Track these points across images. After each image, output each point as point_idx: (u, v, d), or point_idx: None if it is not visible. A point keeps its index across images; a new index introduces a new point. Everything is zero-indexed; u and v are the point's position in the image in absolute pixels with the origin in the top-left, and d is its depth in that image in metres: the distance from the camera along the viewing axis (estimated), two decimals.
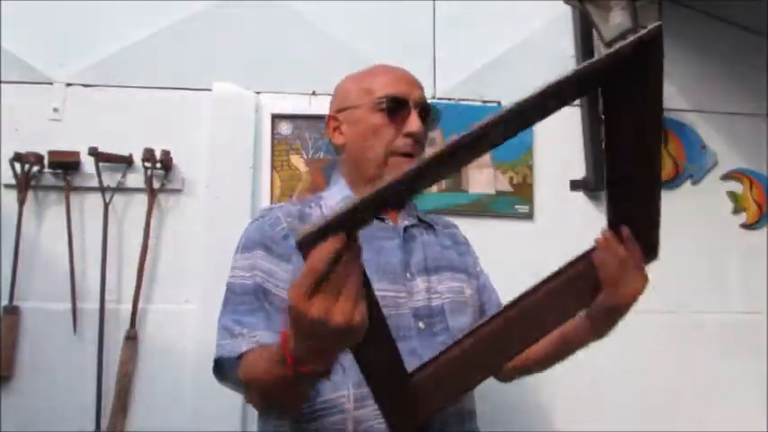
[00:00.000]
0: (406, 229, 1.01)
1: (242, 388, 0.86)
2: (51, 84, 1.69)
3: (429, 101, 1.05)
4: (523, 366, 1.07)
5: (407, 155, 0.98)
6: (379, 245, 0.96)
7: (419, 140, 0.99)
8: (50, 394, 1.53)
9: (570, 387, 1.69)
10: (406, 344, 0.87)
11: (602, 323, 0.89)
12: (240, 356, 0.83)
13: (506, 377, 1.13)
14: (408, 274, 0.96)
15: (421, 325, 0.91)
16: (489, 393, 1.65)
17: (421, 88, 1.04)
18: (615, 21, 1.68)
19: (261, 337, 0.85)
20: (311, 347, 0.61)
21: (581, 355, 1.70)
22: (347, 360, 0.78)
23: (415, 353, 0.87)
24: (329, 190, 1.07)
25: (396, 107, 0.99)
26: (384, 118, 0.99)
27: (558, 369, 1.69)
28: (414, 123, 0.98)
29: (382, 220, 1.01)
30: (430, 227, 1.08)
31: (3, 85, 1.66)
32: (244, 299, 0.90)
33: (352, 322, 0.56)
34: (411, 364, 0.78)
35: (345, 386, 0.85)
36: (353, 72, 1.09)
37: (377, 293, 0.85)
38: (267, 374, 0.73)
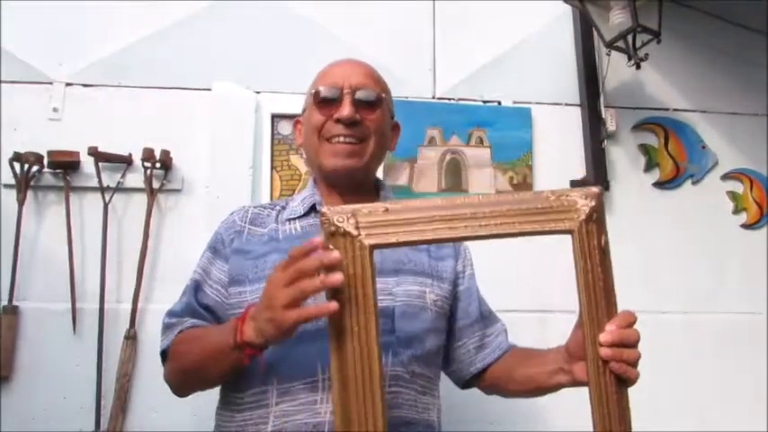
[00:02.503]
0: None
1: (174, 363, 0.96)
2: (51, 83, 1.69)
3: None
4: (495, 387, 1.07)
5: (338, 137, 0.98)
6: None
7: (350, 124, 0.98)
8: (50, 394, 1.53)
9: (571, 387, 1.69)
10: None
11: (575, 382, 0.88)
12: (171, 346, 0.95)
13: (483, 389, 1.12)
14: None
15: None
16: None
17: (364, 76, 1.02)
18: (615, 20, 1.69)
19: (185, 322, 0.96)
20: (265, 317, 0.74)
21: None
22: (276, 350, 0.85)
23: None
24: (303, 189, 1.11)
25: (327, 98, 1.00)
26: (319, 111, 1.00)
27: None
28: (342, 109, 0.98)
29: None
30: None
31: (2, 84, 1.66)
32: (186, 294, 1.01)
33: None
34: None
35: (270, 382, 0.88)
36: None
37: None
38: (206, 344, 0.87)
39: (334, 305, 0.68)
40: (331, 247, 0.69)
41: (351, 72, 1.02)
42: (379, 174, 1.73)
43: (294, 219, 1.02)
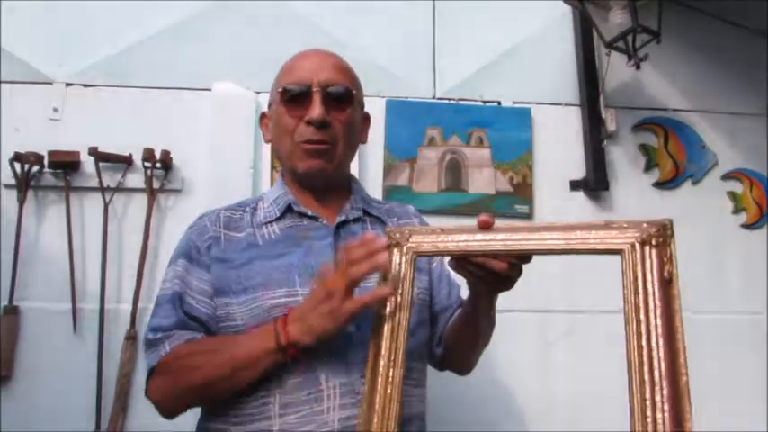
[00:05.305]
0: (340, 226, 0.99)
1: (176, 380, 0.89)
2: (51, 84, 1.69)
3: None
4: (455, 349, 1.06)
5: (310, 142, 0.96)
6: (309, 245, 0.95)
7: (321, 126, 0.95)
8: (50, 394, 1.53)
9: (571, 388, 1.70)
10: (332, 347, 0.86)
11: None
12: (161, 361, 0.90)
13: (456, 370, 1.12)
14: None
15: (351, 328, 0.88)
16: (492, 393, 1.65)
17: (332, 69, 0.99)
18: (615, 21, 1.69)
19: (179, 335, 0.91)
20: (321, 311, 0.80)
21: (581, 356, 1.71)
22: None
23: (342, 357, 0.87)
24: (272, 188, 1.08)
25: (296, 96, 0.96)
26: (287, 109, 0.97)
27: (560, 369, 1.70)
28: (312, 110, 0.95)
29: (315, 218, 0.99)
30: (378, 220, 1.04)
31: (3, 84, 1.66)
32: (164, 307, 0.94)
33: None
34: (336, 367, 0.86)
35: (273, 393, 0.86)
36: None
37: (302, 297, 0.88)
38: (233, 354, 0.85)
39: (386, 289, 0.79)
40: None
41: (319, 66, 0.98)
42: (379, 174, 1.75)
43: (271, 222, 0.99)
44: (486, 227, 0.79)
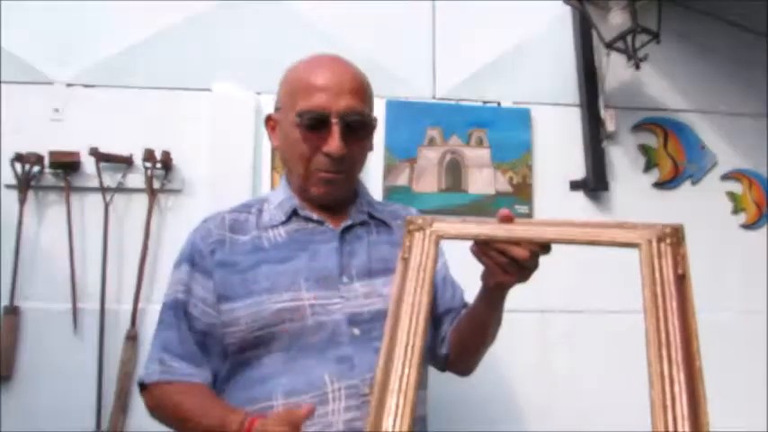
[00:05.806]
0: (345, 230, 0.99)
1: (159, 409, 0.95)
2: (52, 84, 1.69)
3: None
4: (460, 349, 1.06)
5: (327, 171, 0.96)
6: (315, 249, 0.96)
7: (339, 159, 0.94)
8: (50, 394, 1.54)
9: (571, 388, 1.70)
10: (338, 350, 0.87)
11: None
12: (152, 384, 0.95)
13: (458, 371, 1.12)
14: (345, 278, 0.93)
15: (356, 331, 0.89)
16: (492, 394, 1.66)
17: (352, 94, 0.95)
18: (615, 21, 1.69)
19: (172, 368, 0.94)
20: None
21: (581, 357, 1.71)
22: (278, 365, 0.87)
23: (347, 359, 0.88)
24: (276, 190, 1.08)
25: (314, 124, 0.94)
26: (303, 134, 0.95)
27: (560, 370, 1.70)
28: (331, 143, 0.93)
29: (320, 222, 0.99)
30: (383, 223, 1.05)
31: (3, 85, 1.66)
32: (168, 314, 0.97)
33: None
34: (342, 369, 0.86)
35: (275, 396, 0.86)
36: (295, 64, 1.05)
37: (307, 301, 0.88)
38: (200, 427, 0.85)
39: None
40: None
41: (338, 90, 0.94)
42: (379, 174, 1.74)
43: (277, 225, 0.99)
44: (506, 221, 0.81)
